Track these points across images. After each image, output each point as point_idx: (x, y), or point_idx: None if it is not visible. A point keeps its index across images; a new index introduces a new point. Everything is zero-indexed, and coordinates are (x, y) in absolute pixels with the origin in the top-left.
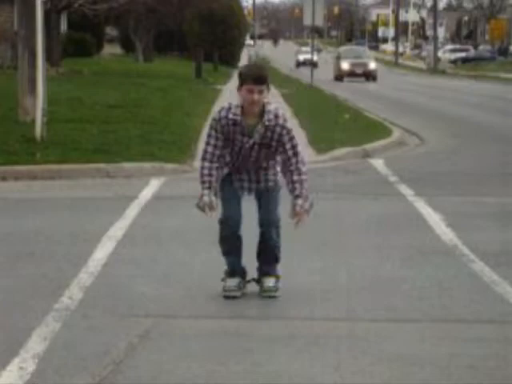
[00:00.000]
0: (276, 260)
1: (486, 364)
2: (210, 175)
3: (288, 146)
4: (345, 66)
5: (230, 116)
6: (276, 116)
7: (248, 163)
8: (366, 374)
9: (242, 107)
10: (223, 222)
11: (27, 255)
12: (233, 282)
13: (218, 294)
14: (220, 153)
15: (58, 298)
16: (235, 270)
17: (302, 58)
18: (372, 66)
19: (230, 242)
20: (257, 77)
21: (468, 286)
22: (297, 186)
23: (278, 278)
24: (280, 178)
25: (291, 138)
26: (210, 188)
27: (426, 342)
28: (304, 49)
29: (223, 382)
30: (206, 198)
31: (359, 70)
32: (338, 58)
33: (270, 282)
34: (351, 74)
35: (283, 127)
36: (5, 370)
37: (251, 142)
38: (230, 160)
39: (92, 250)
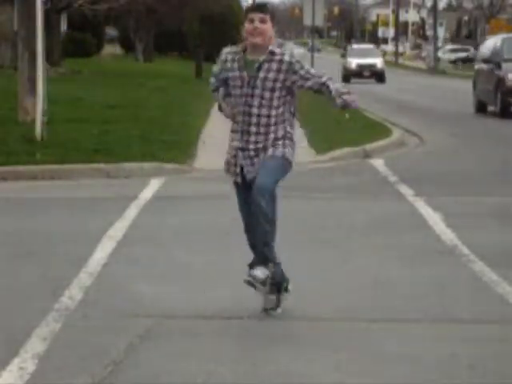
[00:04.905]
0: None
1: (485, 364)
2: (216, 85)
3: (302, 72)
4: None
5: (230, 51)
6: (282, 53)
7: (252, 116)
8: (366, 373)
9: (246, 46)
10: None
11: (27, 255)
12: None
13: (218, 294)
14: (222, 79)
15: (58, 298)
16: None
17: (354, 63)
18: None
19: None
20: (257, 5)
21: (468, 286)
22: (326, 85)
23: (273, 264)
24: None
25: (302, 67)
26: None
27: (426, 341)
28: (356, 47)
29: (223, 381)
30: (227, 111)
31: None
32: (495, 63)
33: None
34: None
35: (290, 63)
36: (5, 370)
37: (250, 76)
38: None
39: (92, 250)
